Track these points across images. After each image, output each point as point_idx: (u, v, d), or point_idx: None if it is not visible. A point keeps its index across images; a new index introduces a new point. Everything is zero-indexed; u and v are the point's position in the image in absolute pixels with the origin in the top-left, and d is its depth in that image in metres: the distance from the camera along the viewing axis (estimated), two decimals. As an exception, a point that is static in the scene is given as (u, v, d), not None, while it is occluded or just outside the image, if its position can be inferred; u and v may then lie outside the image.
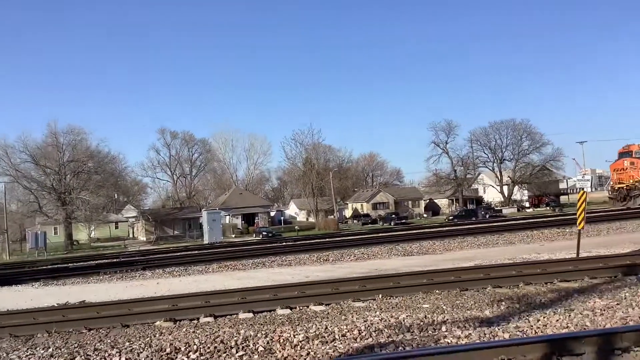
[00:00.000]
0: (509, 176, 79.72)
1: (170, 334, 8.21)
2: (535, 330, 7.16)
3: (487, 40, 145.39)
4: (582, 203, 14.75)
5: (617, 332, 6.15)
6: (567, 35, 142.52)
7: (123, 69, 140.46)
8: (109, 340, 8.08)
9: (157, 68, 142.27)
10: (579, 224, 14.80)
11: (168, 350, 7.15)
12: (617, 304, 8.46)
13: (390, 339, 7.09)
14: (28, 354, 7.51)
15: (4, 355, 7.54)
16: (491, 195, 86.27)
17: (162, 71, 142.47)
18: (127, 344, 7.72)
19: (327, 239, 28.30)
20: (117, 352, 7.25)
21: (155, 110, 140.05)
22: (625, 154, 44.11)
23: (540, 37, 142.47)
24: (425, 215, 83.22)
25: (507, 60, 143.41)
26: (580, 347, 5.79)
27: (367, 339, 7.24)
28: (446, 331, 7.36)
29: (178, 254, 25.38)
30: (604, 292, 9.50)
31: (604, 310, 8.10)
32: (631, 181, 42.10)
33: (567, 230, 23.40)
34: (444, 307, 8.96)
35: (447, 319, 8.02)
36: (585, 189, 15.05)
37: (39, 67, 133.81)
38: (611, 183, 47.64)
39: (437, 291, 10.35)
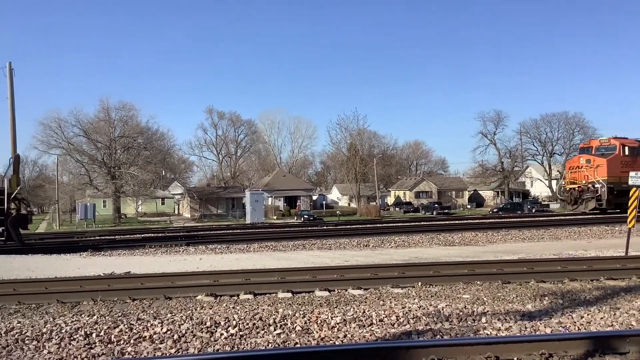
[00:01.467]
0: (558, 170, 77.87)
1: (210, 309, 8.37)
2: (578, 327, 7.00)
3: (541, 31, 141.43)
4: (634, 200, 14.30)
5: (664, 333, 5.95)
6: (625, 31, 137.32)
7: (177, 49, 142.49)
8: (151, 311, 8.29)
9: (208, 47, 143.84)
10: (630, 221, 14.36)
11: (208, 324, 7.28)
12: (666, 306, 8.19)
13: (428, 327, 7.05)
14: (74, 320, 7.76)
15: (51, 319, 7.82)
16: (539, 189, 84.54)
17: (212, 51, 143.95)
18: (169, 315, 7.90)
19: (368, 225, 28.28)
20: (159, 322, 7.42)
21: (204, 89, 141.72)
22: (584, 149, 38.13)
23: (598, 34, 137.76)
24: (468, 207, 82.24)
25: (563, 52, 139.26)
26: (624, 345, 5.64)
27: (404, 325, 7.22)
28: (486, 322, 7.27)
29: (220, 232, 25.78)
30: (653, 293, 9.21)
31: (652, 310, 7.86)
32: (584, 182, 35.83)
33: (617, 228, 22.76)
34: (485, 299, 8.85)
35: (488, 311, 7.91)
36: (636, 186, 14.53)
37: (94, 43, 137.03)
38: (562, 182, 40.85)
39: (478, 282, 10.23)
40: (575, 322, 7.20)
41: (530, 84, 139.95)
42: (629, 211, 14.52)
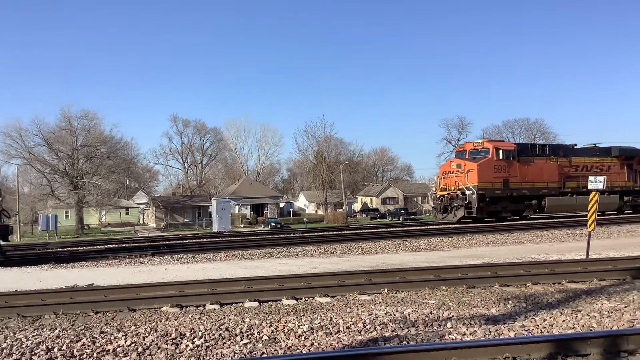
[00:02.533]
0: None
1: (176, 320, 8.26)
2: (541, 330, 7.13)
3: (502, 37, 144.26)
4: (593, 204, 14.66)
5: (623, 334, 6.12)
6: (585, 38, 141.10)
7: (139, 56, 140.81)
8: (115, 324, 8.14)
9: (172, 55, 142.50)
10: (590, 225, 14.71)
11: (173, 335, 7.18)
12: (625, 307, 8.41)
13: (394, 333, 7.09)
14: (35, 334, 7.57)
15: (11, 334, 7.61)
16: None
17: (177, 59, 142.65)
18: (133, 327, 7.77)
19: (335, 232, 28.33)
20: (122, 335, 7.30)
21: (169, 98, 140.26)
22: (460, 153, 35.48)
23: (561, 42, 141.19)
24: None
25: (524, 60, 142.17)
26: (585, 348, 5.77)
27: (371, 332, 7.25)
28: (451, 327, 7.35)
29: (186, 241, 25.49)
30: (612, 295, 9.45)
31: (612, 312, 8.06)
32: (453, 188, 32.96)
33: (578, 231, 23.27)
34: (450, 304, 8.94)
35: (453, 316, 8.00)
36: (597, 191, 14.91)
37: (53, 51, 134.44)
38: (433, 189, 37.44)
39: (443, 287, 10.33)
40: (538, 325, 7.33)
41: (494, 91, 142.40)
42: (589, 215, 14.86)
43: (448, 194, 33.28)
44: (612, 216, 35.37)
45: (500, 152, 33.23)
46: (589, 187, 15.34)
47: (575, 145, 38.52)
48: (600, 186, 14.94)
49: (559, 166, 35.75)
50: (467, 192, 31.79)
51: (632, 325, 7.30)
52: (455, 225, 30.48)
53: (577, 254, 15.29)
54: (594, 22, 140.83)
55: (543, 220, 33.29)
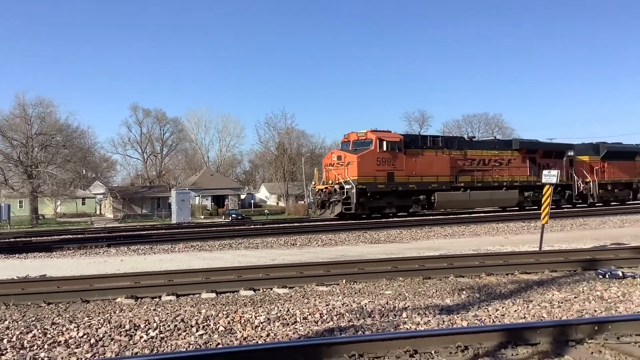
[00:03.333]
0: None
1: (130, 311, 8.14)
2: (493, 320, 7.28)
3: (465, 31, 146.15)
4: (547, 198, 15.01)
5: (572, 324, 6.29)
6: (543, 35, 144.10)
7: (97, 42, 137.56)
8: (67, 315, 7.97)
9: (132, 42, 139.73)
10: (543, 218, 15.06)
11: (127, 327, 7.08)
12: (575, 297, 8.65)
13: (351, 324, 7.14)
14: (-17, 325, 7.36)
15: (-42, 326, 7.38)
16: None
17: (137, 46, 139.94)
18: (86, 319, 7.62)
19: (296, 224, 28.35)
20: (75, 326, 7.15)
21: (128, 86, 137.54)
22: (344, 144, 33.40)
23: (517, 37, 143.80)
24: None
25: (482, 55, 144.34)
26: (535, 337, 5.91)
27: (328, 322, 7.28)
28: (406, 317, 7.44)
29: (144, 232, 25.14)
30: (563, 285, 9.71)
31: (562, 302, 8.28)
32: (331, 182, 31.19)
33: (532, 224, 23.83)
34: (406, 294, 9.05)
35: (408, 306, 8.10)
36: (551, 185, 15.26)
37: (7, 36, 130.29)
38: (313, 183, 35.27)
39: (400, 278, 10.45)
40: (490, 315, 7.48)
41: (454, 86, 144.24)
42: (542, 207, 15.21)
43: (326, 188, 31.23)
44: (565, 209, 36.22)
45: (385, 143, 31.08)
46: (543, 180, 15.67)
47: (474, 137, 37.37)
48: (553, 180, 15.27)
49: (452, 159, 33.92)
50: (347, 187, 29.72)
51: (581, 315, 7.52)
52: (415, 218, 30.78)
53: (531, 246, 15.66)
54: (550, 19, 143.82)
55: (502, 213, 33.91)
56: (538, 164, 37.13)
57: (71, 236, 23.55)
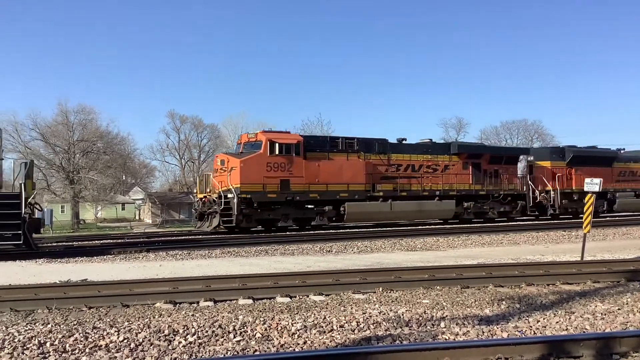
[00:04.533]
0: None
1: (169, 316, 8.25)
2: (534, 331, 7.13)
3: (503, 37, 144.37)
4: (589, 206, 14.68)
5: (616, 336, 6.13)
6: (584, 40, 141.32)
7: (137, 51, 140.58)
8: (108, 319, 8.12)
9: (169, 50, 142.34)
10: (585, 227, 14.73)
11: (166, 332, 7.18)
12: (619, 309, 8.42)
13: (387, 332, 7.09)
14: (27, 328, 7.55)
15: (4, 328, 7.59)
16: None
17: (175, 54, 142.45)
18: (126, 323, 7.75)
19: (331, 230, 28.33)
20: (115, 331, 7.29)
21: (166, 93, 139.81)
22: (238, 146, 29.19)
23: (558, 40, 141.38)
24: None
25: (522, 62, 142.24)
26: (578, 349, 5.78)
27: (364, 331, 7.25)
28: (445, 327, 7.35)
29: (182, 237, 25.47)
30: (606, 297, 9.46)
31: (605, 314, 8.07)
32: (209, 190, 27.44)
33: (574, 233, 23.32)
34: (444, 304, 8.94)
35: (447, 316, 8.01)
36: (593, 193, 14.92)
37: (49, 44, 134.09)
38: (195, 191, 30.69)
39: (437, 287, 10.33)
40: (531, 327, 7.33)
41: (492, 92, 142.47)
42: (584, 216, 14.88)
43: (205, 197, 27.32)
44: (607, 218, 35.06)
45: (277, 146, 26.57)
46: (585, 188, 15.33)
47: (405, 140, 32.37)
48: (596, 188, 14.94)
49: (368, 165, 29.30)
50: (229, 196, 25.65)
51: (625, 327, 7.31)
52: (452, 226, 30.34)
53: (572, 255, 15.31)
54: (593, 22, 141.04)
55: (537, 222, 33.11)
56: (484, 171, 32.98)
57: (111, 241, 24.01)
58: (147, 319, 8.03)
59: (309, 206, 27.99)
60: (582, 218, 33.34)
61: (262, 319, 7.80)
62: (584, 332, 7.08)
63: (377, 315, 7.99)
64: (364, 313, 8.16)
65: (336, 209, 28.39)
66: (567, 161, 36.17)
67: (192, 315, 8.29)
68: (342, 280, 11.02)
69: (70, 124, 62.93)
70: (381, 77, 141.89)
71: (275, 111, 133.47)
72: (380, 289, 10.12)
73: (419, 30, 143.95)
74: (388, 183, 29.87)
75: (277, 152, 26.65)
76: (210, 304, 9.18)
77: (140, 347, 6.59)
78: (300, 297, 9.68)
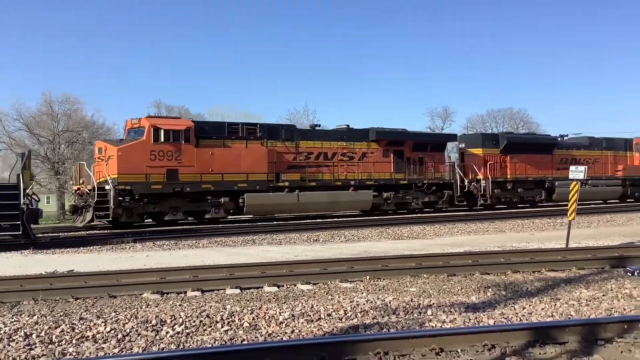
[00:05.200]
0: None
1: (156, 306, 8.23)
2: (520, 318, 7.22)
3: (488, 31, 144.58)
4: (574, 194, 14.80)
5: (601, 322, 6.21)
6: (568, 32, 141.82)
7: (122, 41, 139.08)
8: (95, 310, 8.09)
9: (155, 41, 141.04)
10: (570, 214, 14.85)
11: (154, 322, 7.17)
12: (603, 295, 8.54)
13: (375, 321, 7.13)
14: (13, 320, 7.51)
15: (-11, 320, 7.53)
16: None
17: (160, 44, 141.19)
18: (113, 314, 7.73)
19: (318, 220, 28.35)
20: (102, 322, 7.27)
21: (151, 84, 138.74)
22: (124, 133, 26.06)
23: (544, 32, 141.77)
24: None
25: (510, 51, 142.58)
26: (563, 335, 5.85)
27: (352, 319, 7.28)
28: (432, 315, 7.41)
29: (169, 227, 25.34)
30: (591, 283, 9.58)
31: (590, 300, 8.17)
32: (87, 182, 24.05)
33: (558, 220, 23.51)
34: (431, 292, 9.00)
35: (434, 303, 8.07)
36: (577, 180, 15.03)
37: (33, 34, 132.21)
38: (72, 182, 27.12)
39: (424, 275, 10.40)
40: (517, 313, 7.41)
41: (479, 81, 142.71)
42: (569, 204, 15.00)
43: (79, 189, 24.33)
44: (592, 205, 35.33)
45: (162, 132, 23.86)
46: (570, 176, 15.42)
47: (318, 126, 30.36)
48: (581, 176, 15.04)
49: (272, 152, 26.80)
50: (106, 188, 22.99)
51: (609, 313, 7.41)
52: (438, 214, 30.42)
53: (558, 242, 15.46)
54: (588, 14, 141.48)
55: (524, 210, 33.23)
56: (407, 159, 30.70)
57: (98, 232, 23.85)
58: (134, 310, 8.01)
59: (208, 198, 25.61)
60: (519, 208, 32.34)
61: (249, 309, 7.81)
62: (569, 318, 7.17)
63: (364, 304, 8.03)
64: (351, 302, 8.19)
65: (235, 201, 26.13)
66: (501, 148, 34.15)
67: (180, 305, 8.28)
68: (329, 269, 11.05)
69: (55, 114, 62.20)
70: (368, 66, 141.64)
71: (263, 101, 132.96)
72: (368, 278, 10.17)
73: (406, 19, 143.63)
74: (295, 172, 27.59)
75: (162, 140, 23.93)
76: (198, 293, 9.18)
77: (127, 338, 6.58)
78: (288, 286, 9.71)
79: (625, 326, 6.04)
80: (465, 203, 33.14)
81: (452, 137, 34.61)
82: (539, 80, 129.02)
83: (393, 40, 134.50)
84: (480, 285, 9.45)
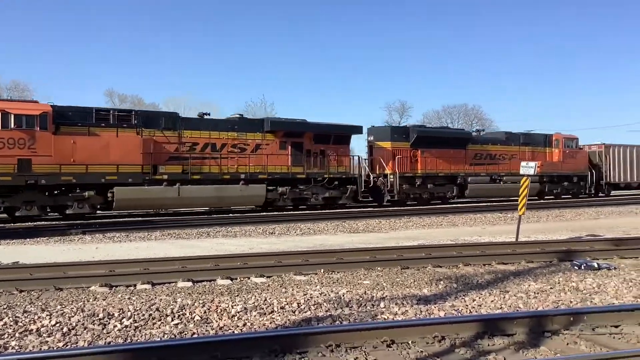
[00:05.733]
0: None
1: (104, 300, 8.02)
2: (470, 310, 7.32)
3: (448, 27, 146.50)
4: (524, 189, 15.11)
5: (548, 314, 6.35)
6: (525, 30, 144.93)
7: (74, 25, 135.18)
8: (40, 303, 7.83)
9: (108, 26, 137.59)
10: (520, 209, 15.17)
11: (101, 315, 6.98)
12: (551, 288, 8.74)
13: (328, 313, 7.12)
14: (-48, 314, 7.19)
15: None
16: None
17: (112, 30, 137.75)
18: (59, 307, 7.50)
19: (275, 212, 28.26)
20: (47, 315, 7.04)
21: (104, 71, 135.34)
22: None
23: (503, 31, 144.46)
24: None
25: (464, 48, 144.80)
26: (512, 327, 5.95)
27: (305, 312, 7.25)
28: (384, 307, 7.44)
29: (120, 219, 24.82)
30: (539, 276, 9.79)
31: (538, 293, 8.36)
32: None
33: (509, 215, 24.04)
34: (384, 284, 9.05)
35: (386, 296, 8.11)
36: (528, 175, 15.36)
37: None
38: None
39: (378, 268, 10.46)
40: (467, 306, 7.51)
41: (435, 76, 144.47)
42: (519, 199, 15.32)
43: None
44: (541, 200, 36.21)
45: (11, 117, 21.40)
46: (521, 171, 15.77)
47: (207, 114, 28.10)
48: (531, 171, 15.38)
49: (148, 142, 24.26)
50: None
51: (556, 306, 7.59)
52: (394, 208, 30.63)
53: (508, 236, 15.78)
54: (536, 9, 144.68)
55: (480, 204, 33.82)
56: (307, 151, 28.78)
57: (46, 222, 23.17)
58: (81, 303, 7.79)
59: (71, 191, 23.01)
60: (431, 205, 31.61)
61: (201, 302, 7.69)
62: (517, 310, 7.30)
63: (318, 297, 8.01)
64: (305, 294, 8.16)
65: (104, 195, 23.60)
66: (411, 142, 32.54)
67: (129, 298, 8.09)
68: (284, 262, 11.00)
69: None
70: (325, 59, 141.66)
71: (221, 93, 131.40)
72: (322, 271, 10.16)
73: (365, 14, 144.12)
74: (177, 164, 25.23)
75: (12, 126, 21.35)
76: (148, 286, 8.99)
77: (73, 331, 6.39)
78: (242, 279, 9.61)
79: (572, 318, 6.19)
80: (371, 199, 31.93)
81: (357, 129, 31.87)
82: (495, 77, 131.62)
83: (352, 33, 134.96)
84: (433, 278, 9.56)
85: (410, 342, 5.56)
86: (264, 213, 26.89)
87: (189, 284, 9.18)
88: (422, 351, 5.40)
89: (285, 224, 20.85)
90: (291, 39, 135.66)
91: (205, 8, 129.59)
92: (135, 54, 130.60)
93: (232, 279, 9.53)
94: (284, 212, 27.61)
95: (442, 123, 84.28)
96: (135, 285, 9.03)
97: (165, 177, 24.64)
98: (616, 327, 6.18)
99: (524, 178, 15.27)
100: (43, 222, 22.61)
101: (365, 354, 5.32)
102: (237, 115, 28.61)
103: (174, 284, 9.21)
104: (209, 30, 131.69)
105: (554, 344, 5.70)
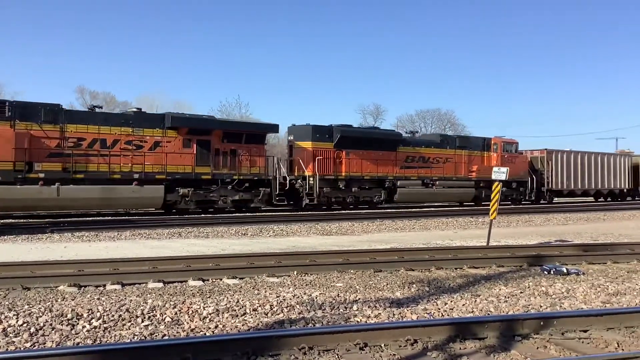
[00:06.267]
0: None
1: (73, 300, 7.87)
2: (442, 313, 7.36)
3: (425, 32, 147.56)
4: (496, 194, 15.29)
5: (518, 318, 6.41)
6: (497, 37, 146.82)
7: (43, 20, 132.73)
8: (6, 303, 7.64)
9: (80, 23, 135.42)
10: (492, 214, 15.34)
11: (69, 315, 6.84)
12: (521, 292, 8.84)
13: (301, 316, 7.09)
14: None
15: None
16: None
17: (85, 27, 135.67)
18: (27, 307, 7.33)
19: (247, 214, 28.13)
20: (14, 314, 6.88)
21: (75, 67, 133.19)
22: None
23: (478, 37, 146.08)
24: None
25: (440, 54, 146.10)
26: (483, 331, 5.99)
27: (278, 314, 7.21)
28: (357, 310, 7.44)
29: (89, 218, 24.43)
30: (509, 280, 9.91)
31: (508, 297, 8.45)
32: None
33: (480, 219, 24.31)
34: (357, 287, 9.06)
35: (359, 299, 8.11)
36: (499, 181, 15.56)
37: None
38: None
39: (351, 271, 10.47)
40: (439, 309, 7.56)
41: (409, 79, 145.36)
42: (491, 204, 15.48)
43: None
44: (512, 206, 36.58)
45: None
46: (493, 177, 15.94)
47: (99, 107, 25.73)
48: (503, 176, 15.56)
49: (23, 136, 22.01)
50: None
51: (527, 310, 7.67)
52: (367, 211, 30.72)
53: (479, 241, 15.96)
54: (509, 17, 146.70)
55: (452, 208, 34.09)
56: (215, 151, 26.94)
57: (12, 220, 22.69)
58: (49, 303, 7.63)
59: None
60: (351, 209, 30.49)
61: (172, 303, 7.59)
62: (488, 314, 7.37)
63: (291, 299, 7.98)
64: (278, 296, 8.12)
65: None
66: (335, 142, 30.68)
67: (98, 298, 7.95)
68: (256, 263, 10.95)
69: (-30, 96, 58.86)
70: (301, 61, 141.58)
71: (194, 91, 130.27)
72: (295, 273, 10.12)
73: (342, 18, 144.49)
74: (57, 162, 22.74)
75: None
76: (118, 287, 8.85)
77: (40, 332, 6.25)
78: (214, 280, 9.52)
79: (542, 323, 6.26)
80: (286, 202, 30.34)
81: (273, 128, 29.89)
82: (470, 83, 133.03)
83: (331, 33, 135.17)
84: (405, 281, 9.60)
85: (382, 345, 5.56)
86: (237, 214, 26.73)
87: (160, 284, 9.06)
88: (394, 354, 5.41)
89: (257, 225, 20.76)
90: (270, 40, 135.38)
91: (183, 7, 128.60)
92: (105, 49, 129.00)
93: (204, 280, 9.44)
94: (255, 214, 27.42)
95: (415, 127, 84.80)
96: (104, 286, 8.88)
97: (42, 175, 22.28)
98: (585, 331, 6.28)
99: (496, 183, 15.45)
100: (11, 220, 22.15)
101: (338, 357, 5.31)
102: (133, 110, 26.71)
103: (144, 284, 9.08)
104: (184, 29, 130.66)
105: (524, 348, 5.76)
